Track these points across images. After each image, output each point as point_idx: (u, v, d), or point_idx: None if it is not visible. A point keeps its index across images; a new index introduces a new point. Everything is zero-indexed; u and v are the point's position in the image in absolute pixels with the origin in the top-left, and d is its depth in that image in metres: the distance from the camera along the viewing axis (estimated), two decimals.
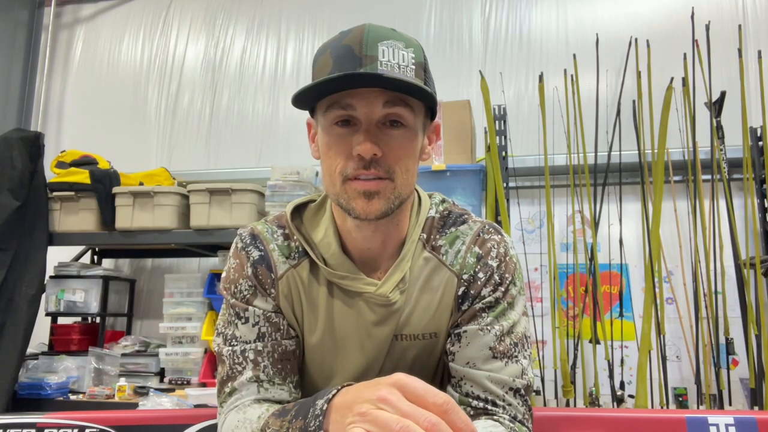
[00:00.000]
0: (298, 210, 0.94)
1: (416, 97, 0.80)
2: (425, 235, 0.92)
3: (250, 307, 0.88)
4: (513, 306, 0.88)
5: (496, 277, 0.88)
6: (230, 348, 0.87)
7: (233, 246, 0.93)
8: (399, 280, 0.87)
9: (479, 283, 0.88)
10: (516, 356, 0.85)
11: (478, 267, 0.88)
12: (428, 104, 0.85)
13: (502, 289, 0.87)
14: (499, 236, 0.92)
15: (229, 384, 0.86)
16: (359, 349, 0.90)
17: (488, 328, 0.85)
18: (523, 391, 0.84)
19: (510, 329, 0.86)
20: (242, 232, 0.94)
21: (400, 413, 0.52)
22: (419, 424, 0.51)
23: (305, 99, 0.80)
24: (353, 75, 0.74)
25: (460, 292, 0.88)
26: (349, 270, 0.87)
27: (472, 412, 0.83)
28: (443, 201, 0.98)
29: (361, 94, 0.77)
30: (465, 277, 0.88)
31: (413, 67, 0.79)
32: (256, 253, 0.90)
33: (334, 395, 0.64)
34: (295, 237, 0.91)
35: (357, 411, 0.56)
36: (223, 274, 0.93)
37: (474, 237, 0.91)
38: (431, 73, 0.85)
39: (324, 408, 0.63)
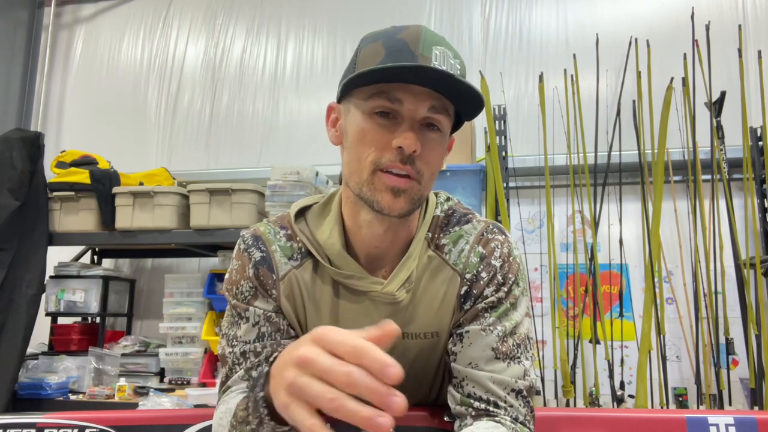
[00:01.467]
0: (302, 211, 0.94)
1: (462, 108, 0.82)
2: (430, 234, 0.92)
3: (251, 308, 0.88)
4: (516, 307, 0.88)
5: (499, 277, 0.88)
6: (231, 349, 0.88)
7: (236, 248, 0.94)
8: (405, 278, 0.87)
9: (482, 282, 0.87)
10: (518, 357, 0.85)
11: (482, 266, 0.88)
12: (464, 117, 0.86)
13: (505, 290, 0.87)
14: (503, 236, 0.92)
15: (227, 383, 0.88)
16: None
17: (491, 328, 0.85)
18: (525, 393, 0.84)
19: (513, 330, 0.86)
20: (245, 233, 0.94)
21: (319, 372, 0.52)
22: (337, 379, 0.50)
23: (369, 78, 0.78)
24: (433, 69, 0.74)
25: (462, 292, 0.88)
26: (354, 269, 0.87)
27: (473, 413, 0.83)
28: (448, 199, 0.98)
29: (411, 91, 0.78)
30: (468, 276, 0.88)
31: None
32: (257, 254, 0.90)
33: (276, 358, 0.63)
34: (298, 237, 0.91)
35: (284, 380, 0.55)
36: (226, 276, 0.93)
37: (478, 236, 0.91)
38: None
39: (265, 371, 0.63)
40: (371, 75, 0.76)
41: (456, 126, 0.88)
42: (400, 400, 0.49)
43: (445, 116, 0.81)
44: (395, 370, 0.49)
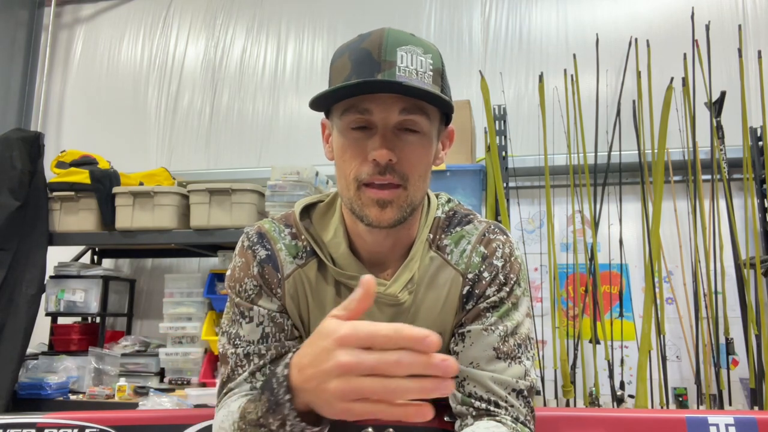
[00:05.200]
0: (307, 210, 0.94)
1: (433, 105, 0.80)
2: (431, 235, 0.92)
3: (255, 307, 0.88)
4: (517, 306, 0.88)
5: (501, 277, 0.88)
6: (234, 349, 0.88)
7: (239, 244, 0.93)
8: (408, 280, 0.87)
9: (484, 282, 0.88)
10: (519, 357, 0.85)
11: (483, 266, 0.88)
12: (444, 111, 0.84)
13: (507, 289, 0.87)
14: (505, 236, 0.92)
15: (228, 385, 0.87)
16: None
17: (492, 328, 0.85)
18: (525, 393, 0.84)
19: (514, 330, 0.86)
20: (249, 230, 0.94)
21: (368, 370, 0.53)
22: (389, 370, 0.52)
23: (325, 101, 0.80)
24: (372, 82, 0.74)
25: (464, 291, 0.88)
26: (357, 270, 0.87)
27: (474, 413, 0.83)
28: (449, 201, 0.98)
29: (379, 99, 0.77)
30: (470, 276, 0.88)
31: (431, 73, 0.79)
32: (263, 252, 0.90)
33: (290, 359, 0.64)
34: (303, 236, 0.91)
35: (332, 393, 0.56)
36: (228, 272, 0.93)
37: (479, 237, 0.91)
38: (447, 79, 0.85)
39: (286, 373, 0.64)
40: (331, 95, 0.76)
41: (448, 117, 0.87)
42: (452, 362, 0.52)
43: (421, 115, 0.79)
44: (433, 338, 0.52)
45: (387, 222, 0.80)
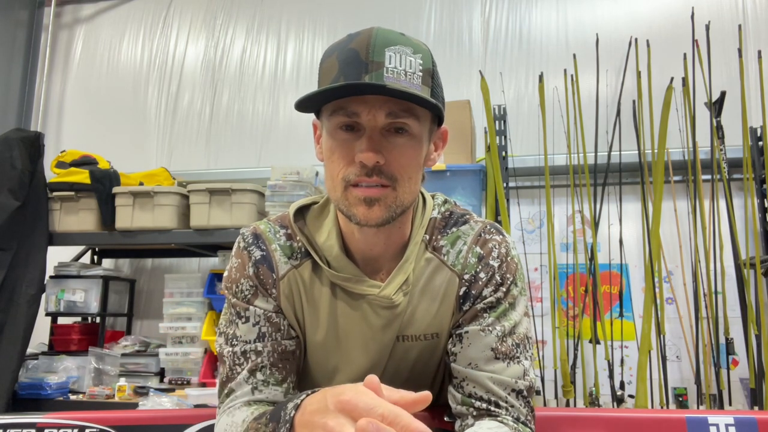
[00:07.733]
0: (301, 211, 0.94)
1: (421, 107, 0.80)
2: (427, 236, 0.92)
3: (251, 307, 0.88)
4: (514, 306, 0.88)
5: (498, 278, 0.88)
6: (231, 348, 0.88)
7: (235, 245, 0.93)
8: (402, 282, 0.87)
9: (480, 283, 0.87)
10: (518, 357, 0.85)
11: (480, 267, 0.88)
12: (435, 112, 0.83)
13: (504, 290, 0.87)
14: (501, 236, 0.92)
15: (228, 385, 0.87)
16: (363, 351, 0.90)
17: (490, 328, 0.85)
18: (525, 393, 0.84)
19: (512, 330, 0.86)
20: (245, 231, 0.94)
21: None
22: None
23: (310, 103, 0.79)
24: (356, 85, 0.74)
25: (461, 292, 0.88)
26: (352, 272, 0.87)
27: (475, 413, 0.83)
28: (445, 202, 0.98)
29: (366, 101, 0.77)
30: (466, 277, 0.88)
31: (420, 74, 0.78)
32: (258, 253, 0.90)
33: (302, 400, 0.66)
34: (297, 237, 0.91)
35: None
36: (225, 274, 0.93)
37: (475, 237, 0.91)
38: (440, 79, 0.84)
39: (292, 414, 0.65)
40: (316, 98, 0.76)
41: (440, 117, 0.86)
42: None
43: (409, 118, 0.78)
44: None
45: (375, 220, 0.79)
